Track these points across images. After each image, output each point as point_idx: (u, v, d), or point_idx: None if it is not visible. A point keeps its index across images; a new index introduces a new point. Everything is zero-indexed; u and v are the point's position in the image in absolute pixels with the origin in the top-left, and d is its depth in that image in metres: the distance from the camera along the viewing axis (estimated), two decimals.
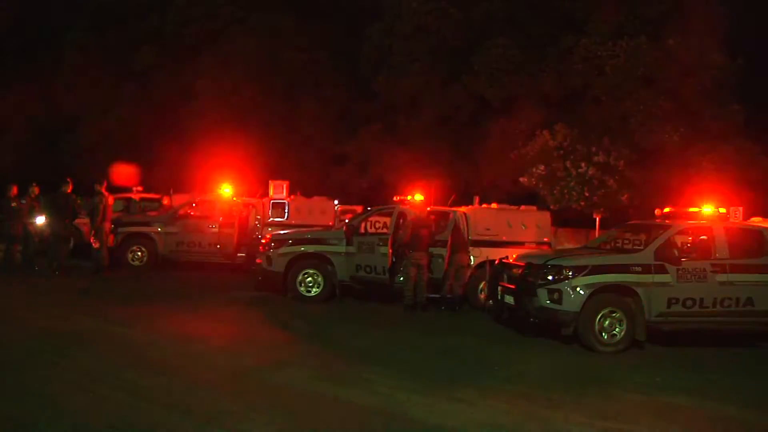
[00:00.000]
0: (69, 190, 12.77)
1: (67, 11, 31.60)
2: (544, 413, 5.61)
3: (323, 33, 26.84)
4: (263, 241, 11.84)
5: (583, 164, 19.10)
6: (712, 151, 18.96)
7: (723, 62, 19.19)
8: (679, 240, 9.10)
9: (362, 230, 11.36)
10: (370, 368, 6.76)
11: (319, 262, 11.10)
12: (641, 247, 8.89)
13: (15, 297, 10.36)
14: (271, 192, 14.44)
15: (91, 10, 30.86)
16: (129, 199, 16.92)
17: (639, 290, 8.19)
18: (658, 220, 9.54)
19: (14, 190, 12.71)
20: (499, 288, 9.25)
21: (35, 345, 7.18)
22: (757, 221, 9.74)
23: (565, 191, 19.34)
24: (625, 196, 19.23)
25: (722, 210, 9.34)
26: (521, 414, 5.57)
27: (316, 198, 15.33)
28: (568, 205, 19.65)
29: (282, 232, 12.34)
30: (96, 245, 12.86)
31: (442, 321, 10.11)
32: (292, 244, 11.22)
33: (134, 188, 17.70)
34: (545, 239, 11.85)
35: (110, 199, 13.15)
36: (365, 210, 15.89)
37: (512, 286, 8.90)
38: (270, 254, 11.16)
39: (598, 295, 8.15)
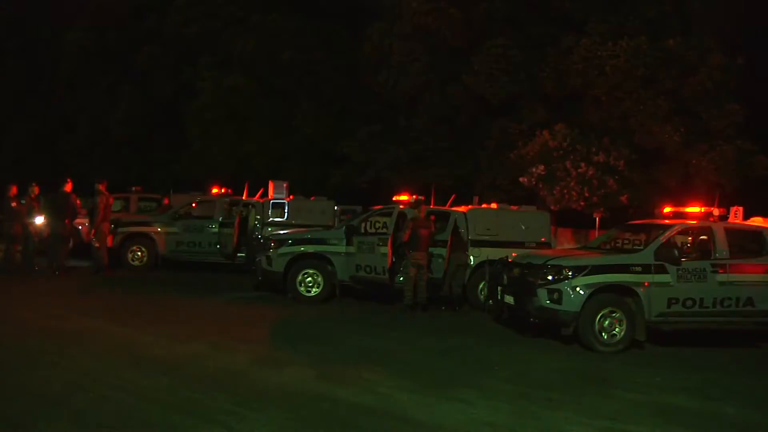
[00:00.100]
0: (69, 190, 12.78)
1: (67, 11, 31.59)
2: (544, 413, 5.61)
3: (323, 33, 26.84)
4: (263, 241, 11.85)
5: (582, 164, 19.08)
6: (712, 151, 18.94)
7: (723, 62, 19.16)
8: (679, 240, 9.10)
9: (362, 230, 11.36)
10: (370, 368, 6.76)
11: (319, 262, 11.10)
12: (641, 247, 8.89)
13: (15, 297, 10.36)
14: (271, 192, 14.44)
15: (91, 10, 30.87)
16: (128, 199, 16.92)
17: (639, 290, 8.19)
18: (658, 220, 9.54)
19: (14, 190, 12.72)
20: (499, 288, 9.25)
21: (35, 345, 7.18)
22: (757, 221, 9.74)
23: (565, 191, 19.32)
24: (625, 196, 19.21)
25: (722, 210, 9.34)
26: (521, 414, 5.56)
27: (315, 198, 15.33)
28: (567, 205, 19.62)
29: (282, 232, 12.34)
30: (96, 244, 12.87)
31: (442, 321, 10.12)
32: (292, 244, 11.22)
33: (133, 188, 17.71)
34: (545, 239, 11.85)
35: (110, 199, 13.16)
36: (365, 210, 15.89)
37: (512, 286, 8.90)
38: (270, 254, 11.17)
39: (598, 295, 8.15)
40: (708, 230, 8.91)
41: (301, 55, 25.68)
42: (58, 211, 12.63)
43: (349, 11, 27.81)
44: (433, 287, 10.86)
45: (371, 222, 11.57)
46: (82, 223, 14.56)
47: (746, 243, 9.15)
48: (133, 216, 15.56)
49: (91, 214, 13.33)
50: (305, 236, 11.49)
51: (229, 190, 15.60)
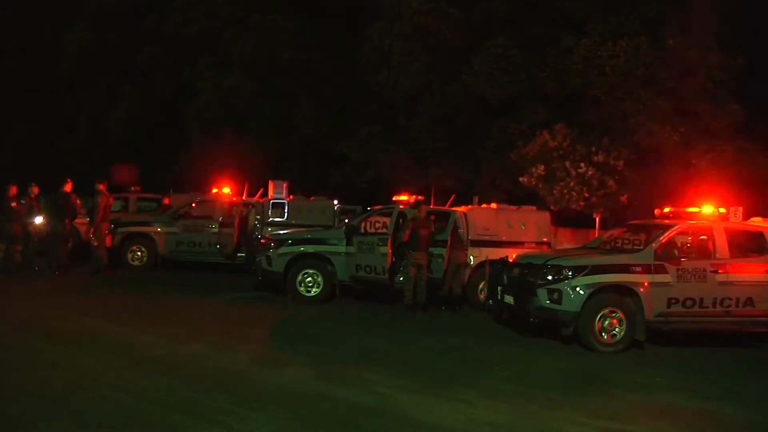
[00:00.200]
0: (68, 190, 12.77)
1: (67, 11, 31.61)
2: (544, 413, 5.61)
3: (323, 33, 26.85)
4: (263, 241, 11.84)
5: (582, 164, 19.09)
6: (712, 151, 18.93)
7: (723, 62, 19.16)
8: (678, 240, 9.09)
9: (362, 230, 11.36)
10: (370, 368, 6.76)
11: (319, 262, 11.10)
12: (641, 247, 8.89)
13: (15, 297, 10.36)
14: (271, 192, 14.44)
15: (91, 10, 30.89)
16: (126, 199, 16.90)
17: (639, 290, 8.19)
18: (657, 220, 9.54)
19: (14, 190, 12.71)
20: (499, 288, 9.25)
21: (35, 345, 7.18)
22: (757, 221, 9.74)
23: (565, 191, 19.32)
24: (625, 196, 19.22)
25: (722, 210, 9.34)
26: (521, 414, 5.57)
27: (315, 198, 15.33)
28: (567, 205, 19.63)
29: (282, 232, 12.34)
30: (96, 243, 12.87)
31: (442, 321, 10.12)
32: (291, 244, 11.22)
33: (132, 188, 17.70)
34: (545, 239, 11.85)
35: (110, 199, 13.16)
36: (365, 210, 15.89)
37: (512, 286, 8.90)
38: (270, 254, 11.16)
39: (598, 295, 8.15)
40: (708, 230, 8.91)
41: (301, 55, 25.70)
42: (58, 211, 12.62)
43: (349, 11, 27.82)
44: (433, 287, 10.86)
45: (371, 222, 11.57)
46: (81, 223, 14.56)
47: (746, 243, 9.15)
48: (132, 216, 15.55)
49: (91, 214, 13.32)
50: (305, 236, 11.49)
51: (229, 191, 15.60)
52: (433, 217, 11.27)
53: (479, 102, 22.18)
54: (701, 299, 8.44)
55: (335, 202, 15.66)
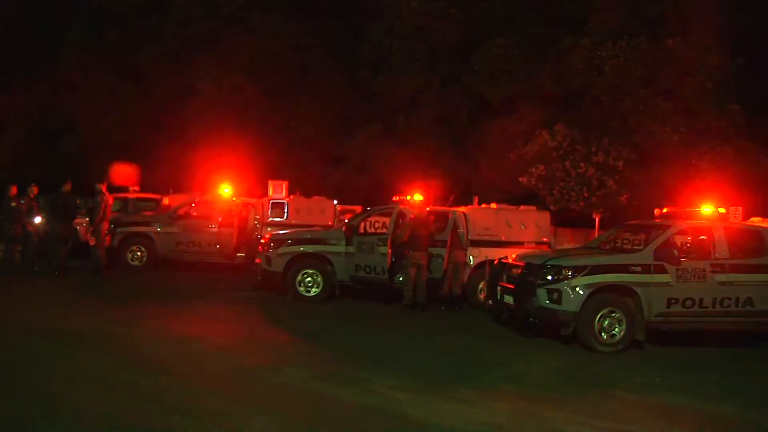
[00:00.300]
0: (68, 190, 12.78)
1: (67, 11, 31.59)
2: (544, 413, 5.61)
3: (323, 33, 26.84)
4: (263, 241, 11.85)
5: (582, 164, 19.11)
6: (712, 151, 18.96)
7: (723, 62, 19.19)
8: (678, 240, 9.10)
9: (362, 230, 11.36)
10: (370, 368, 6.76)
11: (319, 262, 11.09)
12: (641, 247, 8.89)
13: (15, 297, 10.36)
14: (270, 192, 14.44)
15: (91, 10, 30.86)
16: (125, 199, 16.89)
17: (638, 290, 8.19)
18: (657, 220, 9.54)
19: (14, 190, 12.71)
20: (499, 288, 9.25)
21: (35, 345, 7.18)
22: (757, 221, 9.74)
23: (565, 191, 19.35)
24: (625, 196, 19.24)
25: (722, 210, 9.34)
26: (521, 414, 5.57)
27: (315, 198, 15.33)
28: (567, 205, 19.65)
29: (281, 232, 12.34)
30: (92, 242, 12.87)
31: (442, 321, 10.12)
32: (291, 244, 11.21)
33: (131, 188, 17.69)
34: (544, 239, 11.85)
35: (110, 199, 13.16)
36: (365, 210, 15.89)
37: (512, 286, 8.90)
38: (269, 254, 11.16)
39: (598, 295, 8.15)
40: (708, 230, 8.92)
41: (301, 55, 25.68)
42: (58, 211, 12.62)
43: (349, 11, 27.81)
44: (433, 287, 10.86)
45: (371, 222, 11.57)
46: (81, 223, 14.55)
47: (746, 243, 9.15)
48: (132, 216, 15.55)
49: (91, 214, 13.32)
50: (305, 236, 11.48)
51: (229, 191, 15.59)
52: (432, 217, 11.28)
53: (479, 102, 22.21)
54: (701, 299, 8.44)
55: (335, 202, 15.67)
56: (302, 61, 25.63)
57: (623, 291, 8.25)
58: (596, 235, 17.90)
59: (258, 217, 14.28)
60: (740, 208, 10.10)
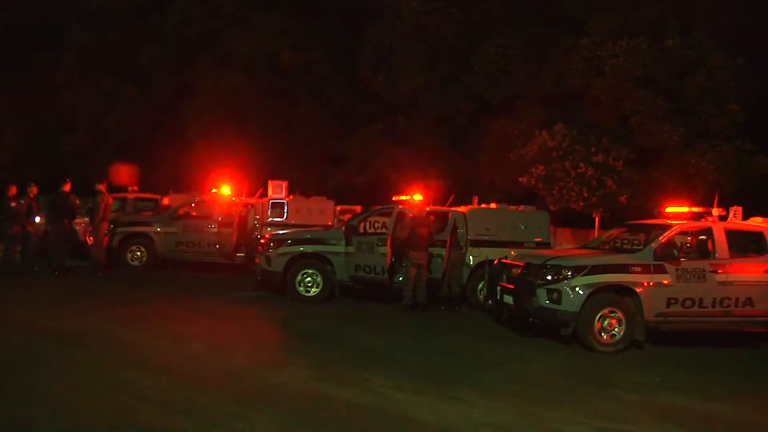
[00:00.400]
0: (68, 190, 12.77)
1: (67, 11, 31.64)
2: (544, 413, 5.61)
3: (323, 33, 26.85)
4: (262, 241, 11.85)
5: (582, 164, 19.11)
6: (711, 151, 18.96)
7: (723, 62, 19.19)
8: (678, 240, 9.10)
9: (361, 230, 11.35)
10: (370, 368, 6.76)
11: (319, 262, 11.09)
12: (640, 247, 8.89)
13: (15, 297, 10.35)
14: (270, 192, 14.44)
15: (91, 10, 30.88)
16: (124, 199, 16.88)
17: (638, 290, 8.19)
18: (657, 220, 9.54)
19: (13, 190, 12.70)
20: (499, 288, 9.25)
21: (35, 345, 7.18)
22: (757, 221, 9.74)
23: (564, 191, 19.35)
24: (624, 196, 19.24)
25: (722, 210, 9.34)
26: (521, 414, 5.57)
27: (315, 198, 15.34)
28: (567, 205, 19.66)
29: (281, 232, 12.33)
30: (90, 241, 12.86)
31: (442, 321, 10.12)
32: (291, 244, 11.21)
33: (130, 188, 17.69)
34: (544, 239, 11.85)
35: (110, 200, 13.16)
36: (364, 210, 15.88)
37: (511, 286, 8.91)
38: (269, 254, 11.16)
39: (598, 295, 8.15)
40: (707, 230, 8.91)
41: (301, 55, 25.69)
42: (58, 211, 12.62)
43: (349, 11, 27.83)
44: (433, 287, 10.86)
45: (370, 222, 11.56)
46: (80, 223, 14.55)
47: (746, 243, 9.15)
48: (132, 216, 15.54)
49: (91, 214, 13.32)
50: (304, 236, 11.48)
51: (229, 191, 15.60)
52: (432, 217, 11.27)
53: (479, 102, 22.21)
54: (701, 299, 8.44)
55: (334, 201, 15.67)
56: (302, 61, 25.63)
57: (623, 291, 8.25)
58: (596, 235, 17.92)
59: (258, 217, 14.28)
60: (740, 208, 10.09)
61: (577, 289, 8.08)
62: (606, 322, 8.14)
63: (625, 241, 10.15)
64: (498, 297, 9.27)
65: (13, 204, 12.52)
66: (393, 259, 10.76)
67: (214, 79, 25.69)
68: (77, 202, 13.33)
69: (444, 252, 11.02)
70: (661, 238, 8.55)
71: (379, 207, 12.35)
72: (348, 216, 15.31)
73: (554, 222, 16.11)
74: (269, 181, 14.50)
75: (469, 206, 12.33)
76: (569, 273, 8.17)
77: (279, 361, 6.98)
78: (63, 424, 4.81)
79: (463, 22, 22.30)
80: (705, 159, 18.88)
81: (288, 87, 25.93)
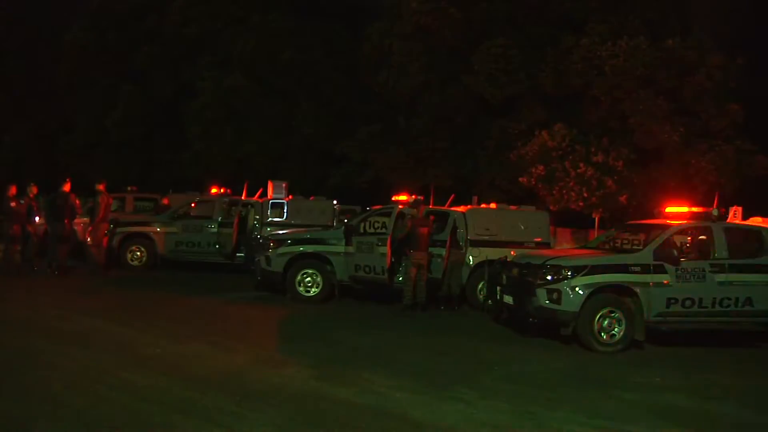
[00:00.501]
0: (67, 190, 12.77)
1: (67, 11, 31.63)
2: (544, 413, 5.61)
3: (323, 33, 26.84)
4: (262, 241, 11.85)
5: (581, 164, 19.10)
6: (711, 151, 18.96)
7: (723, 62, 19.19)
8: (678, 240, 9.10)
9: (361, 230, 11.35)
10: (370, 368, 6.76)
11: (318, 262, 11.10)
12: (640, 247, 8.89)
13: (15, 297, 10.36)
14: (270, 192, 14.44)
15: (91, 11, 30.89)
16: (122, 199, 16.88)
17: (638, 290, 8.19)
18: (657, 220, 9.54)
19: (14, 190, 12.71)
20: (498, 288, 9.25)
21: (35, 345, 7.18)
22: (756, 221, 9.75)
23: (564, 191, 19.34)
24: (624, 196, 19.23)
25: (722, 210, 9.34)
26: (521, 414, 5.57)
27: (315, 198, 15.33)
28: (567, 205, 19.64)
29: (281, 232, 12.34)
30: (90, 242, 12.87)
31: (441, 321, 10.12)
32: (291, 244, 11.22)
33: (128, 188, 17.69)
34: (544, 239, 11.85)
35: (110, 200, 13.16)
36: (364, 210, 15.89)
37: (511, 286, 8.91)
38: (269, 254, 11.16)
39: (597, 295, 8.15)
40: (707, 230, 8.92)
41: (301, 55, 25.70)
42: (57, 211, 12.62)
43: (349, 11, 27.83)
44: (433, 287, 10.86)
45: (370, 222, 11.57)
46: (80, 223, 14.56)
47: (745, 243, 9.15)
48: (132, 216, 15.55)
49: (90, 214, 13.32)
50: (304, 236, 11.49)
51: (228, 191, 15.62)
52: (432, 217, 11.28)
53: (479, 102, 22.19)
54: (700, 299, 8.44)
55: (334, 202, 15.67)
56: (302, 61, 25.63)
57: (623, 291, 8.25)
58: (596, 235, 17.91)
59: (258, 217, 14.28)
60: (740, 208, 10.09)
61: (576, 289, 8.09)
62: (606, 322, 8.14)
63: (625, 241, 10.15)
64: (498, 297, 9.28)
65: (13, 204, 12.53)
66: (393, 259, 10.77)
67: (214, 79, 25.68)
68: (77, 202, 13.34)
69: (444, 252, 11.02)
70: (661, 238, 8.55)
71: (379, 207, 12.35)
72: (348, 216, 15.32)
73: (554, 222, 16.10)
74: (269, 181, 14.50)
75: (469, 206, 12.33)
76: (569, 273, 8.17)
77: (279, 361, 6.98)
78: (63, 424, 4.81)
79: (463, 22, 22.28)
80: (705, 159, 18.87)
81: (288, 87, 25.93)
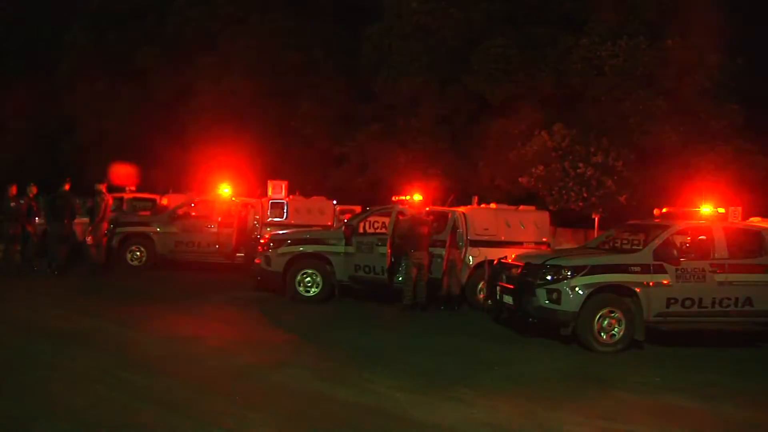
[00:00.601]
0: (68, 190, 12.77)
1: (67, 11, 31.61)
2: (544, 413, 5.61)
3: (323, 33, 26.85)
4: (262, 241, 11.85)
5: (581, 164, 19.12)
6: (711, 151, 18.97)
7: (722, 62, 19.21)
8: (677, 240, 9.10)
9: (361, 230, 11.35)
10: (370, 368, 6.77)
11: (318, 262, 11.09)
12: (640, 247, 8.90)
13: (15, 297, 10.36)
14: (269, 192, 14.43)
15: (91, 10, 30.88)
16: (121, 199, 16.87)
17: (638, 290, 8.20)
18: (656, 220, 9.54)
19: (13, 190, 12.70)
20: (498, 288, 9.25)
21: (35, 345, 7.18)
22: (756, 221, 9.75)
23: (564, 192, 19.35)
24: (624, 196, 19.24)
25: (721, 210, 9.35)
26: (521, 414, 5.57)
27: (315, 198, 15.32)
28: (566, 205, 19.66)
29: (281, 232, 12.34)
30: (89, 242, 12.87)
31: (441, 321, 10.12)
32: (290, 244, 11.21)
33: (127, 188, 17.68)
34: (544, 239, 11.85)
35: (110, 199, 13.16)
36: (364, 210, 15.88)
37: (511, 286, 8.91)
38: (269, 254, 11.16)
39: (597, 295, 8.15)
40: (707, 230, 8.92)
41: (301, 55, 25.69)
42: (57, 211, 12.62)
43: (349, 11, 27.82)
44: (433, 287, 10.86)
45: (370, 222, 11.56)
46: (80, 223, 14.56)
47: (745, 243, 9.15)
48: (132, 216, 15.54)
49: (90, 214, 13.32)
50: (304, 236, 11.48)
51: (228, 191, 15.60)
52: (432, 217, 11.28)
53: (479, 102, 22.20)
54: (700, 299, 8.45)
55: (334, 202, 15.66)
56: (302, 61, 25.63)
57: (623, 291, 8.25)
58: (596, 235, 17.92)
59: (258, 217, 14.28)
60: (739, 208, 10.10)
61: (576, 289, 8.09)
62: (606, 322, 8.15)
63: (625, 241, 10.15)
64: (498, 297, 9.27)
65: (13, 204, 12.52)
66: (393, 259, 10.77)
67: (214, 80, 25.68)
68: (77, 202, 13.33)
69: (444, 252, 11.02)
70: (660, 238, 8.55)
71: (379, 207, 12.35)
72: (348, 216, 15.31)
73: (554, 222, 16.12)
74: (269, 181, 14.50)
75: (469, 206, 12.33)
76: (569, 273, 8.17)
77: (279, 361, 6.98)
78: (63, 424, 4.82)
79: (463, 22, 22.29)
80: (704, 159, 18.88)
81: (288, 87, 25.93)
